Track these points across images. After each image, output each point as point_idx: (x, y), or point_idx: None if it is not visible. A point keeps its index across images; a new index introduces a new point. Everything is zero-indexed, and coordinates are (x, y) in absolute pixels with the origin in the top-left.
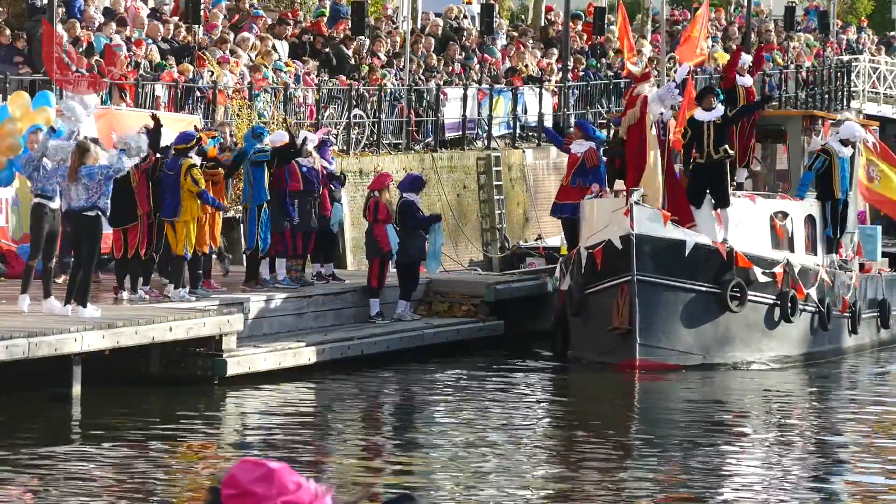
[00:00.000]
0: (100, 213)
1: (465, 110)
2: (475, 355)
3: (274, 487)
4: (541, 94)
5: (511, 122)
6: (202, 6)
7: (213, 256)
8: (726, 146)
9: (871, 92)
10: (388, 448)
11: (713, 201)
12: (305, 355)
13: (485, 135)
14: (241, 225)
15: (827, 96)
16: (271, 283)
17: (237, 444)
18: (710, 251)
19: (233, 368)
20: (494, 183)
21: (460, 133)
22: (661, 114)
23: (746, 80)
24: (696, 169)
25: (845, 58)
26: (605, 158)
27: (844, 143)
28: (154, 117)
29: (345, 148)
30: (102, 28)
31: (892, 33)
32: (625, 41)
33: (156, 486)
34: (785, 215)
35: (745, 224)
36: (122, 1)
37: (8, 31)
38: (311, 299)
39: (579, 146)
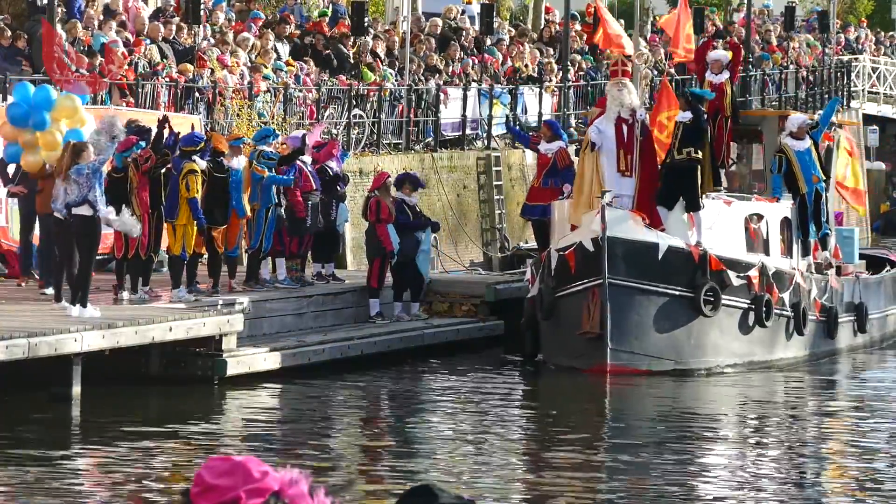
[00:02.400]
0: (94, 210)
1: (465, 110)
2: (475, 355)
3: (238, 478)
4: (540, 94)
5: (511, 122)
6: (202, 6)
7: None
8: (691, 150)
9: (871, 92)
10: (388, 448)
11: (685, 204)
12: (305, 355)
13: (485, 135)
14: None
15: (827, 96)
16: (271, 283)
17: (237, 443)
18: (683, 254)
19: (233, 368)
20: (494, 183)
21: (460, 133)
22: (634, 112)
23: (716, 77)
24: (666, 170)
25: (845, 58)
26: (576, 158)
27: (796, 136)
28: (163, 119)
29: (345, 148)
30: (102, 28)
31: (892, 33)
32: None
33: (156, 486)
34: (760, 217)
35: (720, 227)
36: (120, 1)
37: (8, 32)
38: (311, 299)
39: (548, 146)
